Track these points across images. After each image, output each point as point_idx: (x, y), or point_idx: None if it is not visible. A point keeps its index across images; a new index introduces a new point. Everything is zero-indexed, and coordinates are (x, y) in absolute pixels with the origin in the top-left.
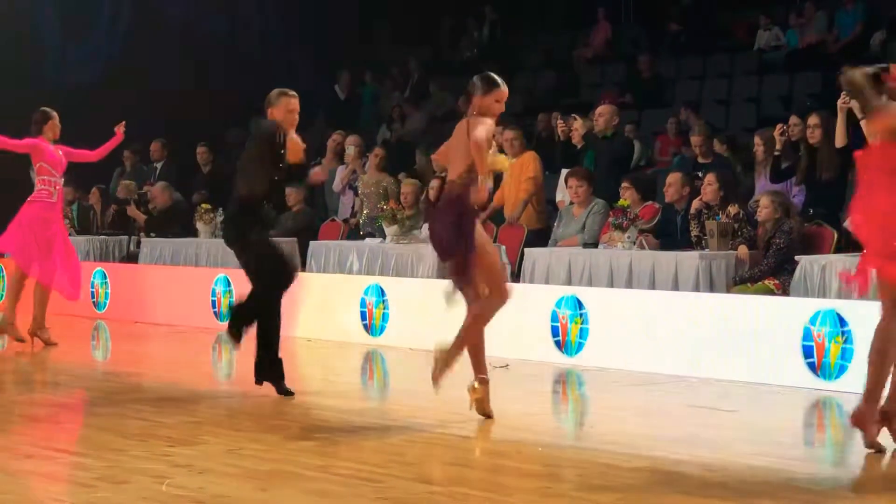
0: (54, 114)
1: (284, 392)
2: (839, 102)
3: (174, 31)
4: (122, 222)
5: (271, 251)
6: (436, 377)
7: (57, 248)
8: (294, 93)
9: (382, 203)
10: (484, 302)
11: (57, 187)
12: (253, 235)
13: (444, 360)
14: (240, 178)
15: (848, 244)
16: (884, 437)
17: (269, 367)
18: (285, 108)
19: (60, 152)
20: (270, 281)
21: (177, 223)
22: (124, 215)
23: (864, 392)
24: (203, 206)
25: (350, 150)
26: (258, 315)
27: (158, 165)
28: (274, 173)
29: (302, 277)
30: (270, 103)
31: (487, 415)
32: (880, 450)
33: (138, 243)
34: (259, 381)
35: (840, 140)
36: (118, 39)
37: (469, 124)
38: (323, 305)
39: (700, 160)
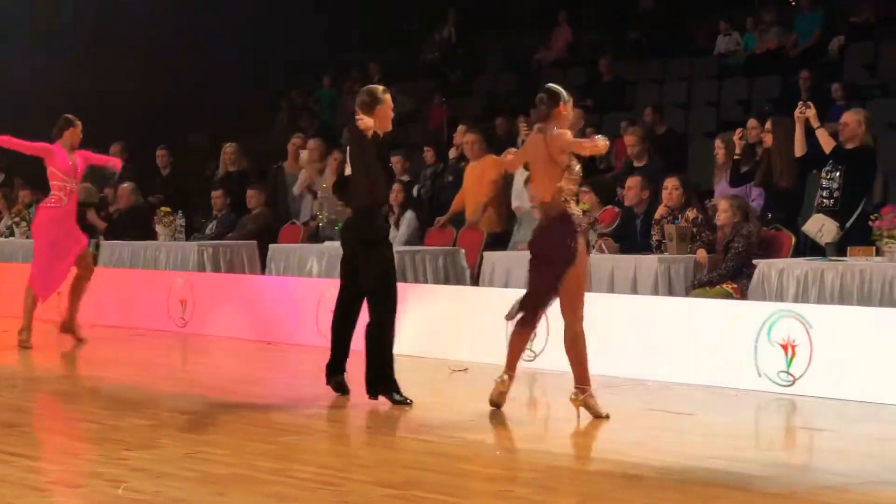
0: (77, 122)
1: (402, 401)
2: (796, 112)
3: (135, 33)
4: (81, 225)
5: (393, 269)
6: (597, 412)
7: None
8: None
9: (341, 206)
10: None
11: (69, 193)
12: (381, 247)
13: (584, 400)
14: (363, 185)
15: (806, 248)
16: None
17: (384, 380)
18: (389, 107)
19: (77, 158)
20: (393, 301)
21: (137, 226)
22: (84, 218)
23: None
24: (163, 209)
25: (303, 155)
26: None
27: (118, 168)
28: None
29: (260, 280)
30: (375, 102)
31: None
32: None
33: (97, 246)
34: (374, 395)
35: (799, 149)
36: (80, 41)
37: (547, 140)
38: (282, 308)
39: (635, 164)
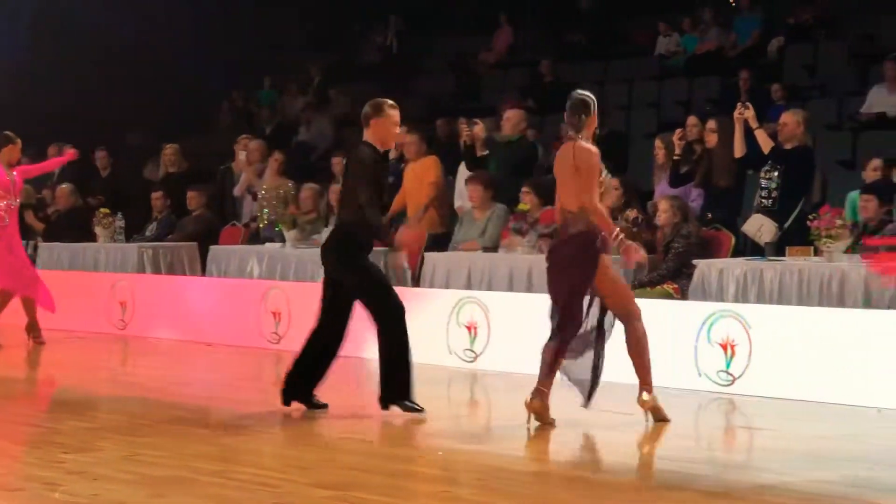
0: (16, 140)
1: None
2: (735, 114)
3: (75, 34)
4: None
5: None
6: (661, 415)
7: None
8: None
9: (282, 207)
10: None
11: (9, 210)
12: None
13: (650, 404)
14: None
15: (745, 248)
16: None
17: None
18: (391, 122)
19: (15, 174)
20: (395, 304)
21: (75, 228)
22: (21, 219)
23: None
24: (102, 210)
25: (241, 157)
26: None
27: (56, 169)
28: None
29: (201, 282)
30: (371, 115)
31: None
32: None
33: (35, 248)
34: (386, 405)
35: (739, 150)
36: (17, 41)
37: (575, 150)
38: (223, 310)
39: None
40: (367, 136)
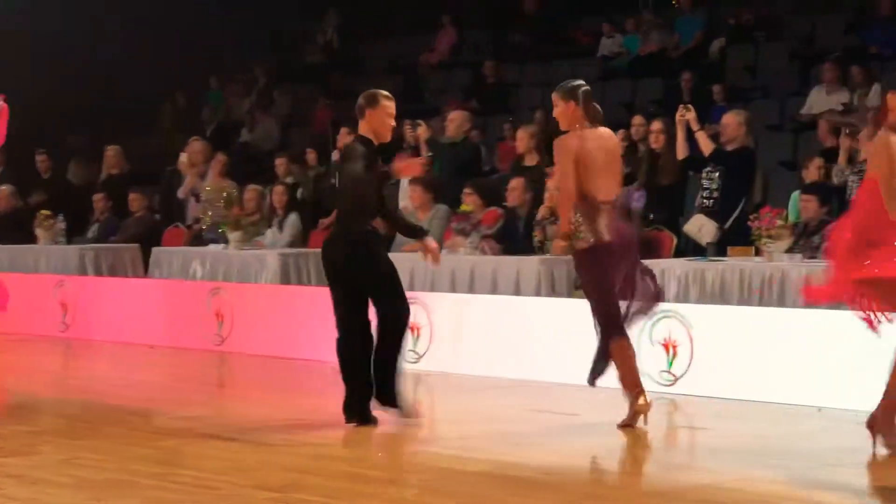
0: None
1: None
2: (677, 116)
3: (14, 37)
4: None
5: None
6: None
7: None
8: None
9: (225, 209)
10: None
11: None
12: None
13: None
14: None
15: (687, 248)
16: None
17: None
18: (386, 113)
19: None
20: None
21: (16, 229)
22: None
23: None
24: (43, 212)
25: (183, 158)
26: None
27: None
28: None
29: (143, 284)
30: (366, 106)
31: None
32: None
33: None
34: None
35: (681, 152)
36: None
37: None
38: (166, 312)
39: (526, 162)
40: (362, 128)
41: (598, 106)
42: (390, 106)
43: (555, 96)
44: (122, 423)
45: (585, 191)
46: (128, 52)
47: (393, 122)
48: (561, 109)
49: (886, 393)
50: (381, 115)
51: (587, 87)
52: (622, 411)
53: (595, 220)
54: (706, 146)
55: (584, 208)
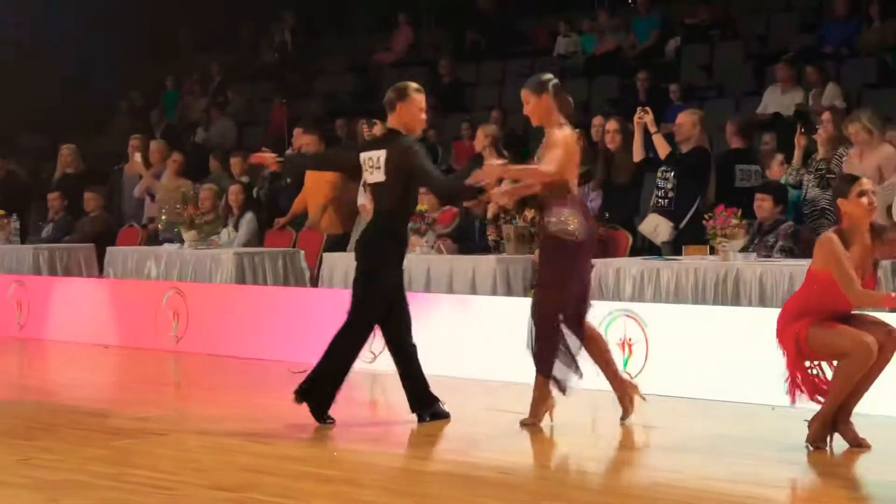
0: None
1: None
2: (635, 118)
3: None
4: None
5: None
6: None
7: None
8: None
9: (180, 208)
10: None
11: None
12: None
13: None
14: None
15: (643, 248)
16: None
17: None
18: (417, 106)
19: None
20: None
21: None
22: None
23: None
24: None
25: (137, 157)
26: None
27: None
28: None
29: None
30: (396, 99)
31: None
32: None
33: None
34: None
35: (637, 154)
36: None
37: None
38: (121, 312)
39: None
40: (392, 122)
41: (569, 98)
42: (420, 99)
43: (525, 93)
44: (77, 424)
45: (570, 187)
46: (84, 52)
47: (424, 115)
48: (533, 105)
49: (833, 392)
50: (412, 109)
51: (556, 80)
52: (576, 409)
53: (580, 217)
54: (662, 149)
55: (574, 204)
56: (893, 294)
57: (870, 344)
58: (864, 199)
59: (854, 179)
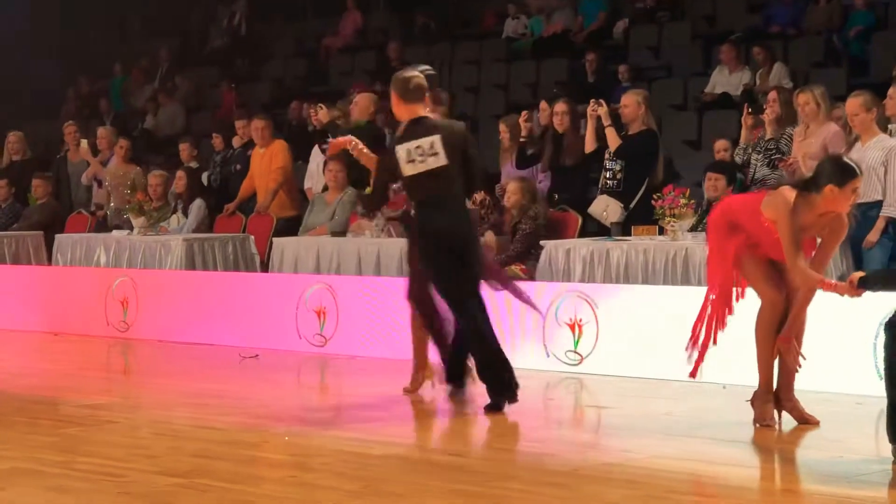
0: None
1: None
2: (589, 110)
3: None
4: None
5: None
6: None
7: None
8: None
9: (129, 195)
10: None
11: None
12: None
13: None
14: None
15: (592, 229)
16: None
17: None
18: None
19: None
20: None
21: None
22: None
23: None
24: None
25: (84, 144)
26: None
27: None
28: None
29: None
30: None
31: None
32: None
33: None
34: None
35: (590, 145)
36: None
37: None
38: (70, 299)
39: None
40: (423, 110)
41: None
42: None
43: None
44: (25, 412)
45: None
46: (31, 37)
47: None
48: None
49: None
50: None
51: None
52: (528, 391)
53: None
54: (614, 142)
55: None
56: (831, 281)
57: (775, 301)
58: (853, 197)
59: (855, 175)
